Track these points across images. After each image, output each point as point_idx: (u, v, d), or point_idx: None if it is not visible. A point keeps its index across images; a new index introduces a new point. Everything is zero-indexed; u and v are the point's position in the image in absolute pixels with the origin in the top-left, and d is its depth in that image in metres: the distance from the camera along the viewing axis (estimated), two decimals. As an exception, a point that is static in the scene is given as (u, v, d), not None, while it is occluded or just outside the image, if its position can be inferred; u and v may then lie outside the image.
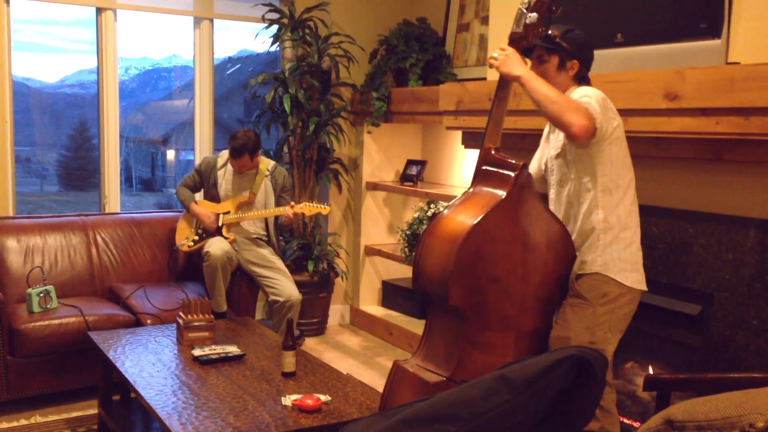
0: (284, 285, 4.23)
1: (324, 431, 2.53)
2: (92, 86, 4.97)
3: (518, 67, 2.49)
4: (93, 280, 4.28)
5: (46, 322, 3.65)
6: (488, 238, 2.45)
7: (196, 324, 3.33)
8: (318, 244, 5.07)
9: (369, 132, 5.24)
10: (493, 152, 2.60)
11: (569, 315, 2.55)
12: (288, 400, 2.68)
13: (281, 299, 4.18)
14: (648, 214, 3.09)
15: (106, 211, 4.79)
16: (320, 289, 5.04)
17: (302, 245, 5.01)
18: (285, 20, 4.96)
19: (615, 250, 2.56)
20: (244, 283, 4.35)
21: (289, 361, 2.97)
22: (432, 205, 4.82)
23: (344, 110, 5.16)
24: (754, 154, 2.67)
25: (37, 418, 3.59)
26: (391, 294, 5.41)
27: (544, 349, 2.57)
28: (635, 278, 2.59)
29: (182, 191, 4.50)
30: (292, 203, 4.26)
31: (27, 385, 3.65)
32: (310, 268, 4.92)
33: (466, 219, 2.47)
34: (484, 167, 2.62)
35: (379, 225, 5.48)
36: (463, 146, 4.34)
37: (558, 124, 2.44)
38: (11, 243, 4.13)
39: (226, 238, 4.29)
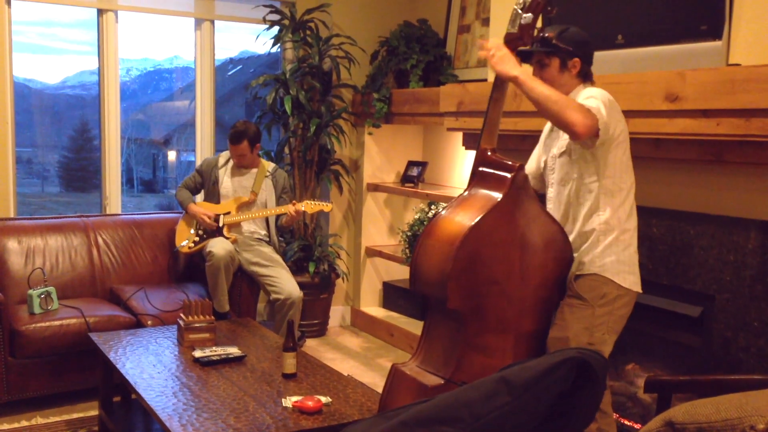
0: (285, 283, 4.23)
1: (324, 433, 2.53)
2: (93, 87, 4.98)
3: (514, 67, 2.47)
4: (94, 282, 4.28)
5: (47, 324, 3.66)
6: (486, 239, 2.44)
7: (196, 325, 3.33)
8: (319, 245, 5.07)
9: (370, 133, 5.24)
10: (489, 153, 2.60)
11: (567, 316, 2.55)
12: (289, 401, 2.68)
13: (282, 297, 4.18)
14: (649, 215, 3.09)
15: (107, 212, 4.79)
16: (321, 290, 5.04)
17: (303, 246, 5.01)
18: (286, 22, 4.97)
19: (614, 252, 2.55)
20: (245, 284, 4.35)
21: (289, 362, 2.97)
22: (433, 207, 4.82)
23: (345, 111, 5.16)
24: (754, 155, 2.67)
25: (38, 420, 3.59)
26: (391, 295, 5.41)
27: (543, 351, 2.56)
28: (632, 280, 2.59)
29: (181, 192, 4.51)
30: (294, 201, 4.27)
31: (28, 386, 3.65)
32: (311, 269, 4.92)
33: (463, 221, 2.46)
34: (480, 168, 2.61)
35: (379, 226, 5.48)
36: (464, 147, 4.35)
37: (559, 123, 2.42)
38: (12, 244, 4.14)
39: (227, 238, 4.29)
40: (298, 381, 2.95)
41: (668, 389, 2.26)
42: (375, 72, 5.13)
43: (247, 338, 3.53)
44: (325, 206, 4.29)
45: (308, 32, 4.99)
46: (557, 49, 2.59)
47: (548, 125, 2.83)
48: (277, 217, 4.49)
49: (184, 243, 4.38)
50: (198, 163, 5.10)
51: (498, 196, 2.48)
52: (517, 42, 2.53)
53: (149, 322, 3.84)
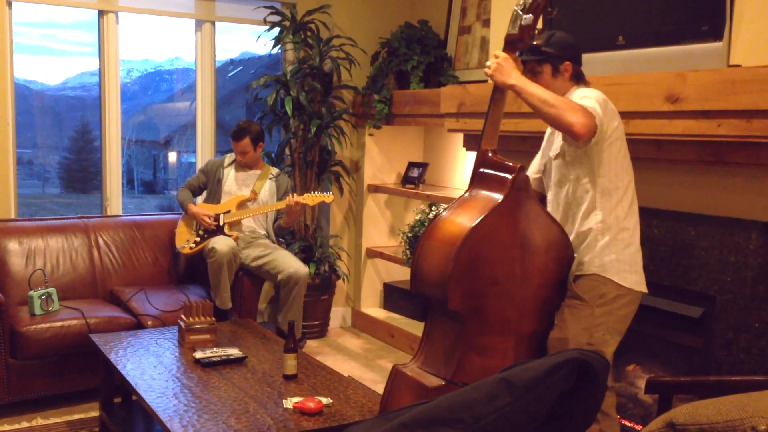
0: (289, 261, 4.28)
1: (325, 434, 2.53)
2: (94, 88, 4.98)
3: (511, 75, 2.48)
4: (94, 283, 4.28)
5: (48, 325, 3.66)
6: (486, 240, 2.44)
7: (197, 326, 3.33)
8: (319, 246, 5.07)
9: (370, 134, 5.24)
10: (490, 155, 2.60)
11: (567, 316, 2.55)
12: (289, 402, 2.68)
13: (289, 272, 4.21)
14: (650, 216, 3.09)
15: (108, 213, 4.79)
16: (322, 291, 5.04)
17: (304, 247, 5.01)
18: (287, 23, 4.97)
19: (613, 252, 2.55)
20: (246, 284, 4.34)
21: (290, 363, 2.97)
22: (433, 208, 4.82)
23: (346, 112, 5.16)
24: (755, 156, 2.67)
25: (39, 421, 3.59)
26: (392, 296, 5.41)
27: (544, 352, 2.56)
28: (634, 279, 2.58)
29: (182, 193, 4.53)
30: (294, 194, 4.29)
31: (28, 387, 3.65)
32: (312, 270, 4.92)
33: (464, 222, 2.47)
34: (481, 170, 2.62)
35: (380, 227, 5.48)
36: (464, 148, 4.35)
37: (559, 126, 2.43)
38: (13, 245, 4.13)
39: (228, 236, 4.30)
40: (299, 382, 2.95)
41: (669, 390, 2.26)
42: (375, 73, 5.13)
43: (248, 339, 3.53)
44: (327, 197, 4.33)
45: (309, 33, 5.00)
46: (548, 56, 2.61)
47: (549, 127, 2.83)
48: (275, 219, 4.50)
49: (185, 244, 4.38)
50: (198, 164, 5.11)
51: (499, 197, 2.48)
52: (518, 43, 2.54)
53: (149, 323, 3.84)
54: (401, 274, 5.42)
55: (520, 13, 2.51)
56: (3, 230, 4.16)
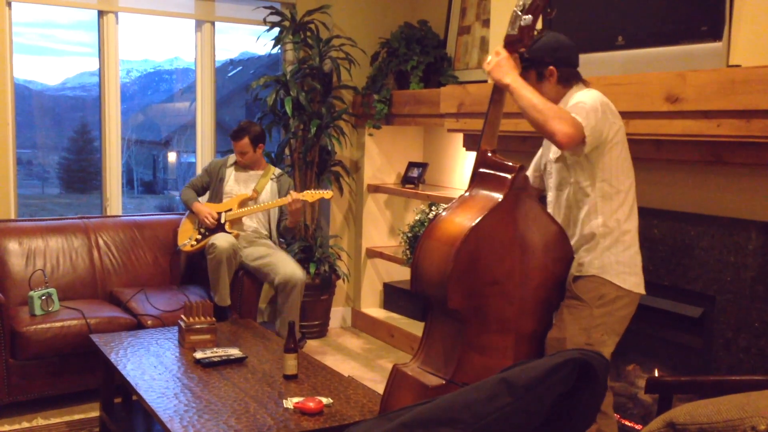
0: (287, 265, 4.28)
1: (325, 434, 2.53)
2: (94, 89, 4.98)
3: (508, 74, 2.48)
4: (94, 283, 4.28)
5: (48, 325, 3.66)
6: (486, 240, 2.44)
7: (197, 326, 3.33)
8: (319, 246, 5.07)
9: (370, 134, 5.24)
10: (489, 154, 2.60)
11: (566, 316, 2.55)
12: (290, 402, 2.69)
13: (285, 276, 4.21)
14: (649, 216, 3.09)
15: (108, 213, 4.80)
16: (322, 291, 5.04)
17: (304, 248, 5.02)
18: (286, 23, 4.97)
19: (613, 254, 2.55)
20: (246, 284, 4.35)
21: (290, 363, 2.97)
22: (433, 208, 4.82)
23: (345, 113, 5.17)
24: (755, 156, 2.67)
25: (39, 421, 3.59)
26: (392, 296, 5.41)
27: (543, 351, 2.57)
28: (633, 281, 2.58)
29: (186, 192, 4.55)
30: (293, 191, 4.30)
31: (29, 387, 3.65)
32: (312, 270, 4.92)
33: (463, 222, 2.47)
34: (480, 170, 2.62)
35: (380, 227, 5.48)
36: (464, 148, 4.35)
37: (543, 132, 2.43)
38: (13, 246, 4.14)
39: (229, 233, 4.31)
40: (299, 382, 2.95)
41: (669, 390, 2.26)
42: (375, 73, 5.13)
43: (248, 339, 3.53)
44: (326, 194, 4.34)
45: (308, 33, 5.00)
46: (530, 62, 2.60)
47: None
48: (279, 221, 4.51)
49: (186, 242, 4.41)
50: (198, 164, 5.12)
51: (498, 197, 2.48)
52: (517, 44, 2.53)
53: (149, 323, 3.84)
54: (401, 274, 5.43)
55: (520, 13, 2.50)
56: (3, 230, 4.16)
